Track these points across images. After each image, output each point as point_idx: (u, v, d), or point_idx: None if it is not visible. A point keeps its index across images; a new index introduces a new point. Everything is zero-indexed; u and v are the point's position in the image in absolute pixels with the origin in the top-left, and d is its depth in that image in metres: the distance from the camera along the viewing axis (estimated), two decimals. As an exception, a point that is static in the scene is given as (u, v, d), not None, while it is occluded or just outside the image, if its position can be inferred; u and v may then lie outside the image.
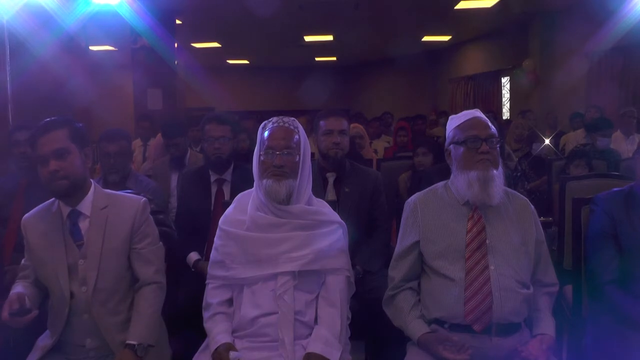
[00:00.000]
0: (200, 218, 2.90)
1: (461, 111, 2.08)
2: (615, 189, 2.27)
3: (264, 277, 1.95)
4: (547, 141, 5.71)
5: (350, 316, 2.06)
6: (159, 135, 4.61)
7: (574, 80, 7.64)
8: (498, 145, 1.98)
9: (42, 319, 2.01)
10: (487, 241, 1.94)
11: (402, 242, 2.06)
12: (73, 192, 1.99)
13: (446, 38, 11.53)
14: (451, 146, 2.03)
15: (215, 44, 11.40)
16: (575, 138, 5.90)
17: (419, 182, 3.33)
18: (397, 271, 2.06)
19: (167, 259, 2.22)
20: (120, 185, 2.98)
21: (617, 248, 2.15)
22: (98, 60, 8.31)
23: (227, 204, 2.17)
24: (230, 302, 2.03)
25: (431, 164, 3.90)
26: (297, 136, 2.01)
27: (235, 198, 2.13)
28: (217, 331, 1.95)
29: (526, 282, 1.97)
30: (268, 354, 1.89)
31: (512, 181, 4.09)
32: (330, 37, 10.83)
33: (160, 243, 2.17)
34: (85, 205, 2.03)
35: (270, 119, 2.05)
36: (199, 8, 7.93)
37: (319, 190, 2.75)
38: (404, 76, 13.73)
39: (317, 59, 14.62)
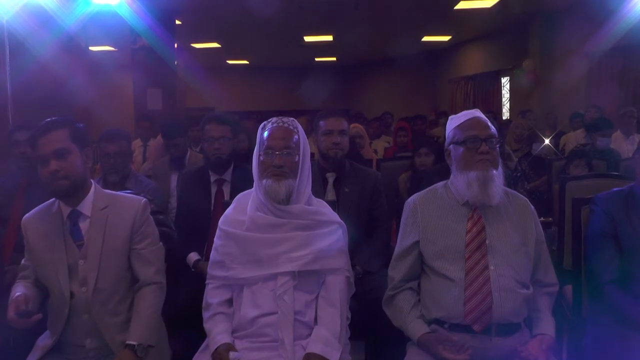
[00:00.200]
0: (200, 218, 2.90)
1: (461, 111, 2.08)
2: (615, 189, 2.27)
3: (263, 277, 1.95)
4: (547, 141, 5.71)
5: (350, 316, 2.06)
6: (159, 136, 4.61)
7: (574, 80, 7.64)
8: (498, 146, 1.98)
9: (42, 319, 2.01)
10: (487, 241, 1.94)
11: (402, 242, 2.06)
12: (73, 192, 1.99)
13: (446, 38, 11.53)
14: (451, 146, 2.03)
15: (215, 44, 11.40)
16: (575, 138, 5.90)
17: (419, 182, 3.33)
18: (397, 271, 2.06)
19: (167, 259, 2.22)
20: (120, 185, 2.98)
21: (617, 248, 2.15)
22: (98, 61, 8.32)
23: (227, 204, 2.17)
24: (230, 302, 2.03)
25: (433, 164, 3.90)
26: (296, 136, 2.01)
27: (235, 198, 2.13)
28: (217, 331, 1.95)
29: (526, 282, 1.97)
30: (268, 354, 1.89)
31: (512, 181, 4.09)
32: (330, 37, 10.84)
33: (160, 243, 2.16)
34: (86, 206, 2.03)
35: (269, 120, 2.06)
36: (198, 8, 7.93)
37: (319, 190, 2.75)
38: (403, 76, 13.72)
39: (317, 59, 14.62)
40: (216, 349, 1.90)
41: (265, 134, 2.01)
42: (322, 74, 13.85)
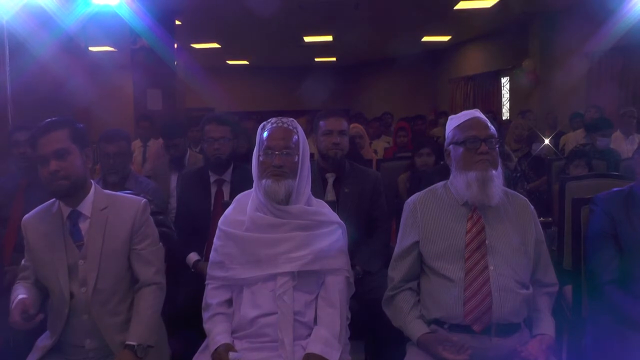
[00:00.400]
0: (199, 219, 2.90)
1: (461, 111, 2.08)
2: (615, 189, 2.27)
3: (263, 277, 1.95)
4: (546, 141, 5.71)
5: (349, 316, 2.06)
6: (160, 140, 4.61)
7: (573, 80, 7.64)
8: (497, 146, 1.98)
9: (42, 319, 2.01)
10: (487, 241, 1.94)
11: (402, 242, 2.06)
12: (73, 192, 1.99)
13: (446, 38, 11.53)
14: (450, 146, 2.03)
15: (215, 45, 11.40)
16: (575, 138, 5.90)
17: (419, 182, 3.33)
18: (396, 271, 2.06)
19: (166, 259, 2.22)
20: (119, 185, 2.98)
21: (616, 248, 2.15)
22: (98, 61, 8.31)
23: (227, 205, 2.17)
24: (229, 302, 2.03)
25: (434, 164, 3.90)
26: (296, 136, 2.01)
27: (235, 198, 2.13)
28: (217, 332, 1.95)
29: (526, 282, 1.97)
30: (267, 354, 1.90)
31: (511, 181, 4.09)
32: (330, 38, 10.83)
33: (160, 244, 2.17)
34: (86, 206, 2.03)
35: (269, 120, 2.06)
36: (198, 8, 7.93)
37: (319, 190, 2.75)
38: (403, 76, 13.72)
39: (316, 59, 14.62)
40: (216, 349, 1.91)
41: (265, 134, 2.01)
42: (322, 74, 13.85)
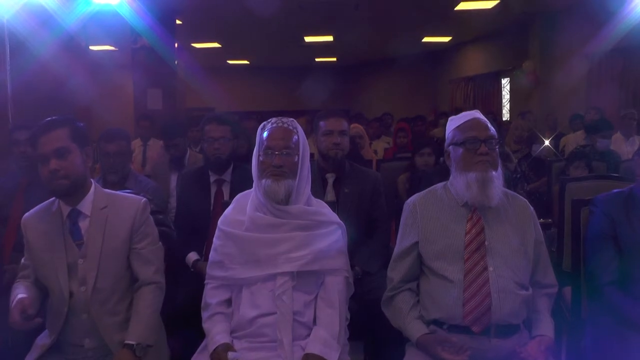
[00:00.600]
0: (199, 218, 2.90)
1: (461, 112, 2.08)
2: (615, 190, 2.27)
3: (262, 277, 1.95)
4: (546, 142, 5.70)
5: (349, 317, 2.06)
6: (160, 141, 4.61)
7: (574, 81, 7.64)
8: (497, 147, 1.98)
9: (42, 318, 2.01)
10: (486, 242, 1.94)
11: (401, 243, 2.06)
12: (73, 191, 1.99)
13: (446, 39, 11.54)
14: (450, 147, 2.03)
15: (216, 44, 11.40)
16: (575, 139, 5.90)
17: (419, 183, 3.33)
18: (396, 272, 2.06)
19: (166, 259, 2.22)
20: (119, 185, 2.98)
21: (616, 249, 2.15)
22: (98, 60, 8.30)
23: (227, 204, 2.17)
24: (229, 302, 2.03)
25: (435, 164, 3.90)
26: (296, 136, 2.01)
27: (235, 198, 2.13)
28: (216, 331, 1.95)
29: (525, 283, 1.97)
30: (266, 354, 1.89)
31: (511, 182, 4.09)
32: (330, 38, 10.84)
33: (160, 243, 2.17)
34: (86, 205, 2.03)
35: (269, 120, 2.06)
36: (199, 8, 7.93)
37: (319, 190, 2.75)
38: (404, 77, 13.73)
39: (317, 59, 14.63)
40: (215, 349, 1.91)
41: (265, 134, 2.01)
42: (322, 74, 13.85)
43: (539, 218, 2.12)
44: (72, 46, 4.96)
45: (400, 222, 2.10)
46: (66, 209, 2.03)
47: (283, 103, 14.73)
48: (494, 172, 1.94)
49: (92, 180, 2.09)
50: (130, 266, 2.07)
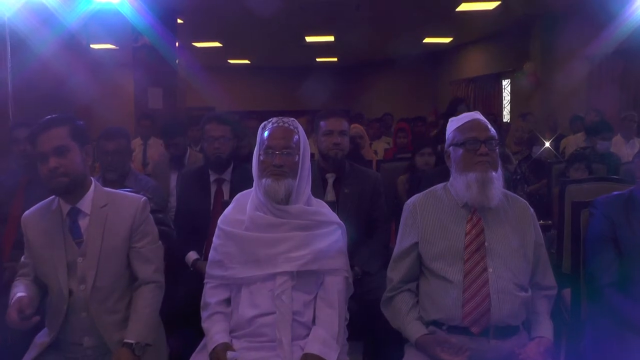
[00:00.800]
0: (199, 217, 2.90)
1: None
2: (615, 192, 2.27)
3: (262, 277, 1.95)
4: (547, 144, 5.70)
5: (348, 317, 2.06)
6: (160, 140, 4.61)
7: (574, 83, 7.64)
8: (497, 148, 1.98)
9: (40, 316, 2.01)
10: (486, 243, 1.94)
11: (401, 243, 2.06)
12: (73, 189, 1.99)
13: (447, 40, 11.53)
14: (450, 148, 2.03)
15: (217, 44, 11.39)
16: (575, 141, 5.89)
17: (418, 183, 3.33)
18: (395, 272, 2.06)
19: (165, 258, 2.22)
20: (118, 183, 2.98)
21: (616, 251, 2.15)
22: (99, 59, 8.32)
23: (227, 204, 2.17)
24: (228, 301, 2.03)
25: (435, 164, 3.90)
26: (296, 136, 2.01)
27: (235, 198, 2.13)
28: (215, 331, 1.95)
29: (524, 285, 1.97)
30: (266, 354, 1.89)
31: (511, 184, 4.09)
32: (331, 38, 10.83)
33: (160, 242, 2.16)
34: (85, 203, 2.03)
35: (270, 119, 2.06)
36: (200, 7, 7.93)
37: (319, 190, 2.75)
38: (404, 77, 13.72)
39: (318, 59, 14.62)
40: (214, 349, 1.90)
41: (266, 133, 2.01)
42: (323, 74, 13.83)
43: (539, 220, 2.12)
44: (73, 44, 4.96)
45: (400, 223, 2.10)
46: (66, 207, 2.02)
47: (284, 103, 14.72)
48: (494, 173, 1.94)
49: (92, 178, 2.09)
50: (130, 265, 2.07)
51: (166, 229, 2.71)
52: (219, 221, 2.07)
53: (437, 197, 2.06)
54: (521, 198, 2.11)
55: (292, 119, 2.07)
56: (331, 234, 2.02)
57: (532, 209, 2.06)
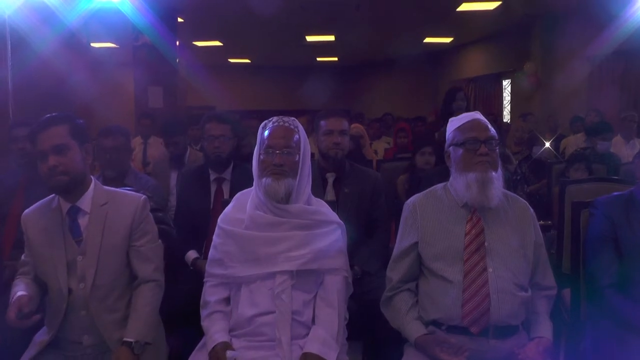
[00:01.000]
0: (199, 216, 2.90)
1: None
2: (615, 193, 2.27)
3: (262, 276, 1.95)
4: (547, 144, 5.69)
5: (347, 317, 2.06)
6: (161, 140, 4.61)
7: (575, 83, 7.64)
8: (497, 147, 1.98)
9: (39, 318, 2.01)
10: (486, 243, 1.94)
11: (401, 243, 2.06)
12: (72, 188, 1.99)
13: (448, 40, 11.53)
14: (450, 148, 2.03)
15: (217, 43, 11.39)
16: (575, 142, 5.89)
17: (418, 183, 3.33)
18: (395, 272, 2.06)
19: (165, 256, 2.22)
20: (117, 181, 2.97)
21: (616, 252, 2.14)
22: (99, 57, 8.32)
23: (227, 203, 2.17)
24: (227, 300, 2.03)
25: (435, 164, 3.89)
26: (297, 135, 2.01)
27: (235, 197, 2.13)
28: (215, 330, 1.95)
29: (524, 285, 1.97)
30: (265, 353, 1.89)
31: (511, 184, 4.09)
32: (331, 38, 10.83)
33: (160, 241, 2.17)
34: (85, 202, 2.03)
35: (270, 119, 2.06)
36: (200, 6, 7.92)
37: (319, 190, 2.75)
38: (405, 77, 13.72)
39: (318, 59, 14.62)
40: (213, 348, 1.90)
41: (266, 133, 2.01)
42: (324, 74, 13.84)
43: (539, 220, 2.12)
44: (73, 43, 4.95)
45: (400, 223, 2.10)
46: (66, 206, 2.02)
47: (284, 102, 14.72)
48: (493, 173, 1.94)
49: (92, 177, 2.09)
50: (130, 263, 2.07)
51: (166, 227, 2.70)
52: (219, 220, 2.07)
53: (437, 197, 2.05)
54: (521, 198, 2.11)
55: (293, 118, 2.07)
56: (331, 234, 2.02)
57: (532, 209, 2.06)
